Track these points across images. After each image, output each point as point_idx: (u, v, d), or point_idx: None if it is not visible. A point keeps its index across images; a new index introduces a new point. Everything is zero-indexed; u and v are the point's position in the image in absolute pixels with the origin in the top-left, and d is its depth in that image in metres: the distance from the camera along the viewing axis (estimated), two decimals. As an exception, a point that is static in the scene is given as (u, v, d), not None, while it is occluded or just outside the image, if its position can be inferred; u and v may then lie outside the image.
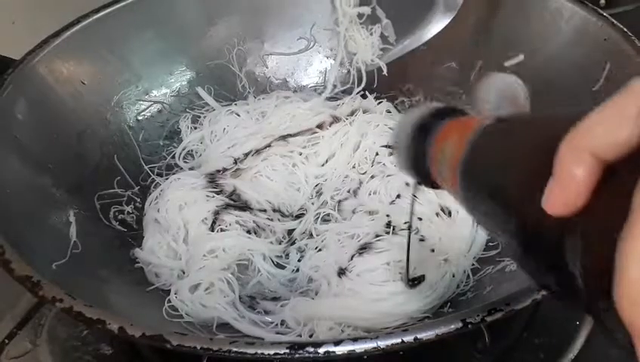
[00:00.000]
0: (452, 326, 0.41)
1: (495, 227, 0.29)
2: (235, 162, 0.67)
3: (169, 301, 0.54)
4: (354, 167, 0.69)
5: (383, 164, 0.67)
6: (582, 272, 0.23)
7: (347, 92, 0.77)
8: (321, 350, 0.40)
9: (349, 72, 0.77)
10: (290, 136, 0.69)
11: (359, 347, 0.40)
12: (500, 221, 0.29)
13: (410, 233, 0.51)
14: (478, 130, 0.32)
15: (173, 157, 0.71)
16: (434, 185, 0.37)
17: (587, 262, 0.22)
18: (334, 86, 0.78)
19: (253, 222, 0.62)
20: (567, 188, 0.24)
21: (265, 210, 0.64)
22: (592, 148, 0.23)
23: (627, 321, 0.21)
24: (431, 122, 0.36)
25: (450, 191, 0.34)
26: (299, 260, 0.60)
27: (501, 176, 0.29)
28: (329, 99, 0.77)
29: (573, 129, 0.24)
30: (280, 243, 0.62)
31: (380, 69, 0.75)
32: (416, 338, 0.40)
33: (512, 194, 0.27)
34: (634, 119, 0.23)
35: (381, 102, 0.75)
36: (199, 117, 0.74)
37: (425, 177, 0.37)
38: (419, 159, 0.36)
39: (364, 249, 0.58)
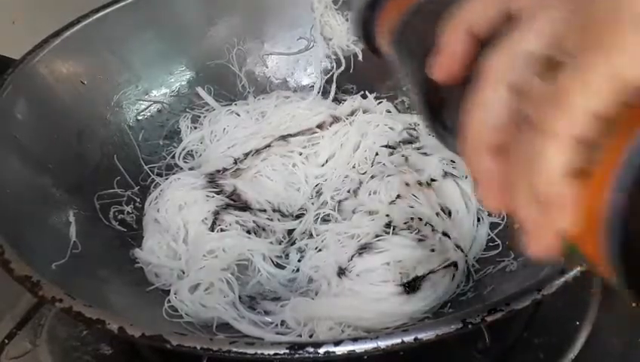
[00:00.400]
0: (452, 326, 0.41)
1: (413, 89, 0.35)
2: (235, 162, 0.67)
3: (169, 301, 0.54)
4: (354, 167, 0.69)
5: (383, 164, 0.67)
6: (453, 124, 0.28)
7: (343, 90, 0.77)
8: (321, 350, 0.40)
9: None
10: (290, 136, 0.69)
11: (359, 347, 0.40)
12: (413, 84, 0.35)
13: None
14: (411, 7, 0.37)
15: (173, 157, 0.71)
16: (381, 55, 0.43)
17: (454, 116, 0.28)
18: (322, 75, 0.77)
19: (253, 222, 0.62)
20: (444, 58, 0.29)
21: (265, 210, 0.64)
22: (467, 25, 0.28)
23: (467, 165, 0.27)
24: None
25: (392, 60, 0.40)
26: (299, 260, 0.60)
27: (414, 47, 0.35)
28: (327, 97, 0.76)
29: (456, 9, 0.29)
30: (280, 243, 0.62)
31: (355, 55, 0.75)
32: (416, 339, 0.40)
33: (418, 62, 0.32)
34: (498, 5, 0.27)
35: (381, 102, 0.75)
36: (199, 117, 0.74)
37: (374, 46, 0.43)
38: (369, 31, 0.42)
39: (364, 249, 0.58)
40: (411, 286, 0.55)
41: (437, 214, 0.60)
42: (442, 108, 0.31)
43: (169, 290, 0.55)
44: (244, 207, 0.63)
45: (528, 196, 0.24)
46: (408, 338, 0.40)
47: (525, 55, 0.25)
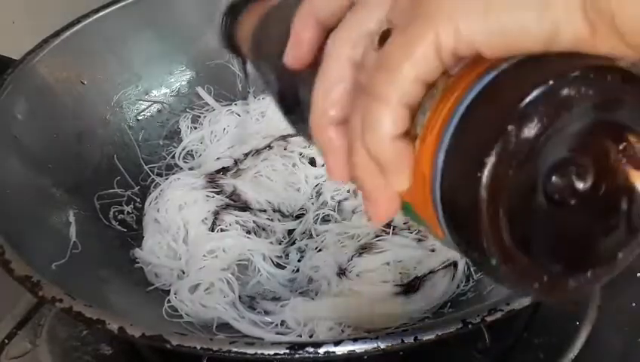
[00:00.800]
0: (452, 326, 0.41)
1: (269, 83, 0.36)
2: (235, 162, 0.67)
3: (169, 301, 0.54)
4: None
5: (383, 164, 0.67)
6: (307, 104, 0.29)
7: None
8: (321, 350, 0.40)
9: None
10: (290, 136, 0.69)
11: (359, 347, 0.40)
12: (270, 81, 0.36)
13: None
14: (268, 8, 0.38)
15: (173, 157, 0.71)
16: (244, 59, 0.44)
17: (307, 97, 0.29)
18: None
19: (253, 222, 0.62)
20: (296, 47, 0.31)
21: (265, 210, 0.64)
22: (315, 15, 0.30)
23: (315, 141, 0.29)
24: (240, 4, 0.42)
25: (251, 63, 0.41)
26: (299, 260, 0.60)
27: (269, 43, 0.36)
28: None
29: (304, 1, 0.31)
30: (280, 244, 0.62)
31: None
32: (416, 338, 0.40)
33: (274, 56, 0.33)
34: None
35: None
36: (199, 117, 0.74)
37: (237, 52, 0.43)
38: (230, 36, 0.43)
39: (364, 249, 0.58)
40: (411, 286, 0.55)
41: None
42: (298, 100, 0.32)
43: (169, 290, 0.55)
44: (244, 207, 0.63)
45: (365, 160, 0.26)
46: (408, 339, 0.40)
47: (362, 31, 0.27)
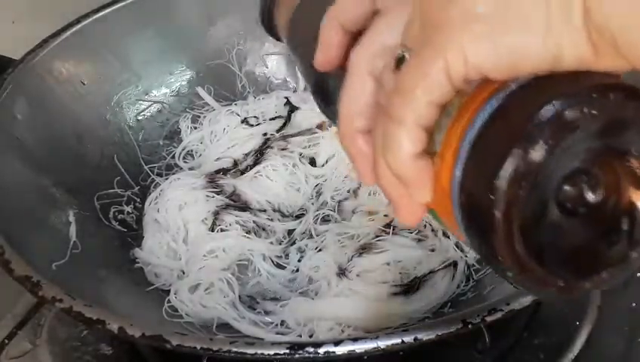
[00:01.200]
0: (452, 326, 0.41)
1: (305, 76, 0.39)
2: (235, 162, 0.67)
3: (169, 301, 0.54)
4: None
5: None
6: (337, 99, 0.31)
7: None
8: (321, 350, 0.40)
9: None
10: (290, 136, 0.69)
11: (359, 347, 0.40)
12: (304, 72, 0.38)
13: None
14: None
15: (173, 157, 0.71)
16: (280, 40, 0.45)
17: (337, 93, 0.30)
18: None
19: (253, 222, 0.62)
20: (324, 50, 0.32)
21: (265, 210, 0.64)
22: (341, 20, 0.31)
23: (341, 145, 0.30)
24: None
25: (289, 50, 0.42)
26: (299, 260, 0.60)
27: (304, 37, 0.37)
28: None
29: (332, 6, 0.32)
30: (280, 244, 0.62)
31: None
32: (416, 339, 0.40)
33: (308, 51, 0.35)
34: (366, 3, 0.30)
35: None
36: (199, 117, 0.74)
37: (275, 34, 0.45)
38: (269, 20, 0.44)
39: (364, 249, 0.58)
40: (411, 286, 0.55)
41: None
42: (330, 94, 0.34)
43: (169, 290, 0.55)
44: (244, 207, 0.63)
45: (387, 173, 0.27)
46: (408, 339, 0.40)
47: (381, 46, 0.28)
